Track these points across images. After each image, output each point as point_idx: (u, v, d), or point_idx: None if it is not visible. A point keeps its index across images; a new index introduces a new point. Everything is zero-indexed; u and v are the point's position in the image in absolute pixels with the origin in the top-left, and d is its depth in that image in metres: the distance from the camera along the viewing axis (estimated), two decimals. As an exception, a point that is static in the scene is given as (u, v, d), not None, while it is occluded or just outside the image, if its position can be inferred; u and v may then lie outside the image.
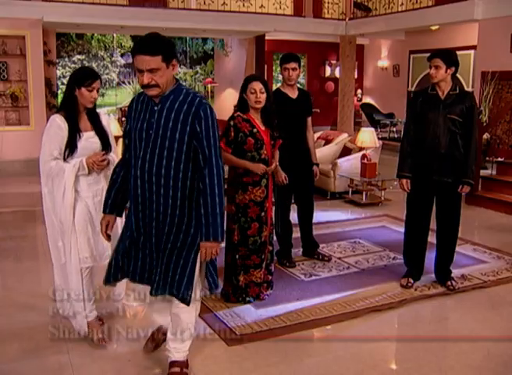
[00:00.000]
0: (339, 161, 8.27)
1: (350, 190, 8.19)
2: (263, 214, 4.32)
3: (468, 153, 4.48)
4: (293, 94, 5.14)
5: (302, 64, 17.19)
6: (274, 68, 16.79)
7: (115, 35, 15.81)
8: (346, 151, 8.70)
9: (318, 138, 9.52)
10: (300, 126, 5.19)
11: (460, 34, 13.29)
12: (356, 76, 16.59)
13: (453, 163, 4.49)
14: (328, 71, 17.50)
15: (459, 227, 4.76)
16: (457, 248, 5.59)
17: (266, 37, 13.91)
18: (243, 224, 4.28)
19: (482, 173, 8.57)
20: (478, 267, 5.33)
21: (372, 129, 8.20)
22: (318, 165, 5.38)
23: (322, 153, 8.51)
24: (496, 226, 7.04)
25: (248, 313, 4.20)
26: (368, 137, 7.93)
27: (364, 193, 7.98)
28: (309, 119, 5.29)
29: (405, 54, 15.61)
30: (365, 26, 13.43)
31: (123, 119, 15.22)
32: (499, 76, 10.62)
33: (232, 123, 4.19)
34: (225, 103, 14.41)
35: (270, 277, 4.57)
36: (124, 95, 16.94)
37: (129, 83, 17.02)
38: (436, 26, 13.04)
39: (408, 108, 4.80)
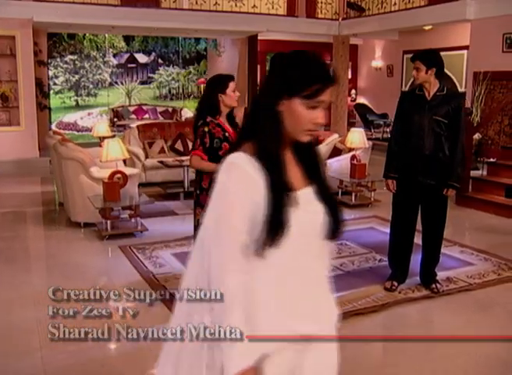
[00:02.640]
0: (329, 162, 8.19)
1: (340, 191, 8.13)
2: None
3: (454, 155, 4.41)
4: None
5: (296, 64, 17.15)
6: (267, 68, 16.47)
7: (107, 35, 15.75)
8: (336, 152, 8.63)
9: None
10: None
11: (453, 34, 13.23)
12: (350, 76, 16.54)
13: (437, 165, 4.43)
14: None
15: (444, 230, 4.70)
16: (444, 250, 5.58)
17: (259, 38, 13.91)
18: None
19: (473, 173, 8.49)
20: (465, 269, 5.27)
21: (362, 129, 8.12)
22: None
23: None
24: (485, 228, 6.98)
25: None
26: (357, 137, 7.86)
27: (353, 194, 7.91)
28: None
29: (399, 54, 15.53)
30: (358, 26, 13.37)
31: (115, 119, 15.17)
32: (491, 77, 10.57)
33: (206, 129, 4.05)
34: (219, 103, 14.33)
35: None
36: (116, 96, 16.86)
37: (122, 83, 16.93)
38: (429, 26, 13.00)
39: (396, 109, 4.71)
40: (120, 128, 13.91)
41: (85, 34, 15.46)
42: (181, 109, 14.92)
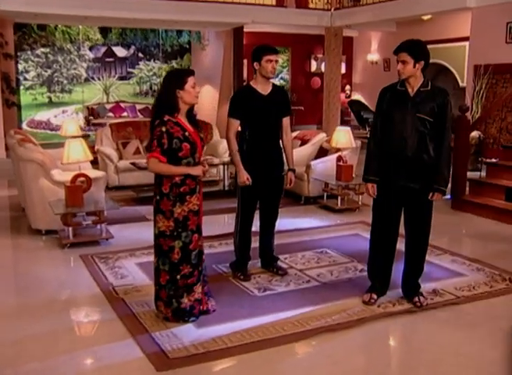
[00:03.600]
0: (313, 163, 8.12)
1: (325, 194, 8.07)
2: (199, 222, 4.25)
3: (440, 157, 4.34)
4: (265, 90, 4.95)
5: (286, 58, 17.15)
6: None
7: (80, 27, 15.62)
8: (323, 153, 8.55)
9: (295, 138, 9.34)
10: (271, 127, 5.01)
11: (454, 25, 13.21)
12: (344, 71, 16.50)
13: (421, 168, 4.35)
14: (313, 66, 17.42)
15: (429, 237, 4.63)
16: (433, 259, 5.64)
17: (245, 30, 13.90)
18: (185, 239, 4.15)
19: (470, 175, 8.40)
20: (454, 281, 5.17)
21: (348, 128, 8.01)
22: (294, 171, 5.24)
23: (297, 154, 8.28)
24: (482, 234, 6.89)
25: (187, 333, 4.03)
26: (343, 136, 7.75)
27: (339, 198, 7.82)
28: (285, 120, 5.12)
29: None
30: (352, 16, 13.31)
31: (91, 117, 15.04)
32: (494, 70, 10.49)
33: (164, 129, 3.97)
34: (203, 101, 14.22)
35: (207, 287, 4.45)
36: (93, 92, 16.71)
37: (99, 78, 16.79)
38: (428, 16, 12.96)
39: (376, 106, 4.62)
40: (97, 127, 13.75)
41: (57, 26, 15.32)
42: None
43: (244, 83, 5.25)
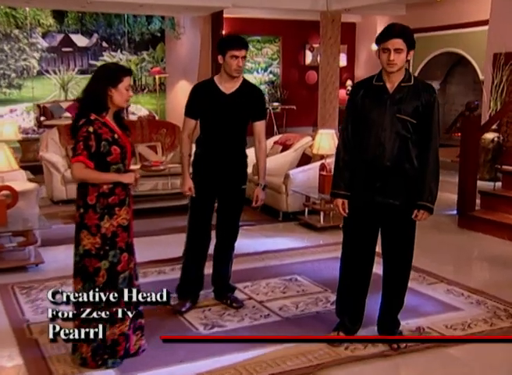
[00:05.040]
0: (293, 172, 8.07)
1: (306, 209, 8.00)
2: (130, 240, 4.23)
3: (426, 167, 4.26)
4: (229, 88, 4.94)
5: (276, 49, 17.08)
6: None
7: (28, 9, 15.47)
8: (306, 160, 8.49)
9: (275, 143, 9.44)
10: (231, 132, 5.00)
11: (473, 6, 13.09)
12: (345, 63, 16.41)
13: (402, 180, 4.27)
14: (309, 57, 17.42)
15: (411, 263, 4.52)
16: (425, 289, 5.65)
17: (227, 15, 13.93)
18: (113, 259, 4.11)
19: (484, 185, 8.24)
20: (445, 316, 5.06)
21: (333, 131, 7.90)
22: (264, 187, 5.20)
23: (276, 162, 8.50)
24: (492, 258, 6.78)
25: (104, 384, 3.93)
26: (326, 141, 7.63)
27: (321, 213, 7.79)
28: (259, 126, 5.09)
29: None
30: (353, -2, 13.18)
31: (42, 118, 14.85)
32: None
33: (91, 129, 3.98)
34: (179, 101, 14.10)
35: (142, 321, 4.35)
36: (47, 88, 16.50)
37: (55, 72, 16.64)
38: (442, -4, 12.88)
39: (346, 105, 4.54)
40: (50, 129, 13.54)
41: (-2, 6, 15.16)
42: (128, 105, 14.66)
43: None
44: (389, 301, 4.53)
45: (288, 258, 6.54)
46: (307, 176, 7.99)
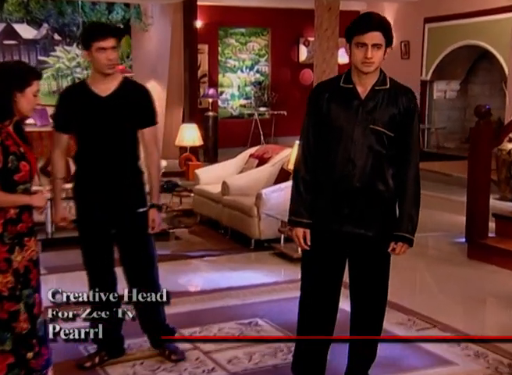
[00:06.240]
0: (265, 192, 8.06)
1: (282, 236, 7.94)
2: (39, 278, 4.15)
3: (405, 189, 4.20)
4: (105, 90, 4.82)
5: (264, 43, 17.06)
6: (220, 49, 16.74)
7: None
8: (284, 176, 8.42)
9: (251, 156, 9.47)
10: (117, 143, 4.90)
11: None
12: (347, 60, 16.29)
13: (375, 205, 4.19)
14: (303, 53, 17.62)
15: (386, 305, 4.43)
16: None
17: (200, 3, 14.10)
18: (27, 300, 4.01)
19: (498, 206, 8.11)
20: (433, 372, 4.97)
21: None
22: (159, 208, 5.20)
23: (249, 179, 8.69)
24: (505, 297, 6.62)
25: None
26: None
27: (299, 241, 7.59)
28: (147, 133, 4.97)
29: (418, 24, 15.58)
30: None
31: None
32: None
33: None
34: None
35: None
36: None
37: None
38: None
39: (306, 112, 4.42)
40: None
41: None
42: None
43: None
44: (357, 352, 4.45)
45: (252, 297, 6.50)
46: (282, 196, 7.77)
